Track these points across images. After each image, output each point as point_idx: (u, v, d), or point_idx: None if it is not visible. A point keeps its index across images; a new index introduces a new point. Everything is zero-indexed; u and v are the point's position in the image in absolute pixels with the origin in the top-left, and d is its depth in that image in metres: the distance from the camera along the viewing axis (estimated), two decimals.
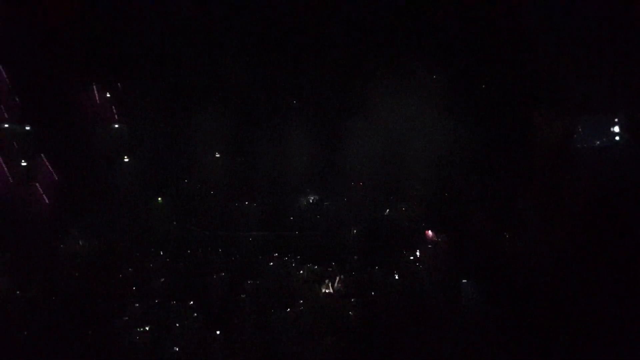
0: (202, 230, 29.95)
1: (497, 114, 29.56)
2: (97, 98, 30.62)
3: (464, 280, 27.73)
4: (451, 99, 29.27)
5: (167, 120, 30.28)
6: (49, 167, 29.73)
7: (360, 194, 29.93)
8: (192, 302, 28.42)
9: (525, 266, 27.29)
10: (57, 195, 29.58)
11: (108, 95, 30.65)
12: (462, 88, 29.65)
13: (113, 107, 30.67)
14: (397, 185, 29.68)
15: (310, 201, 30.38)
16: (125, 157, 30.20)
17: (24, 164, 29.52)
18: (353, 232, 29.68)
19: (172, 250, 29.40)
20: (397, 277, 28.68)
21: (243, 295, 28.56)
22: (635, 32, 28.11)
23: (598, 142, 28.65)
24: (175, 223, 29.93)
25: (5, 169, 29.18)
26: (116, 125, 30.63)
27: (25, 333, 27.17)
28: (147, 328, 27.85)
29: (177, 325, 27.99)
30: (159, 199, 30.00)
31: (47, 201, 29.41)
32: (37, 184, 29.33)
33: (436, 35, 29.33)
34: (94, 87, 30.40)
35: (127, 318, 27.89)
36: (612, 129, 28.91)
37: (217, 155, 30.48)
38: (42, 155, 29.64)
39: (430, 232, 29.37)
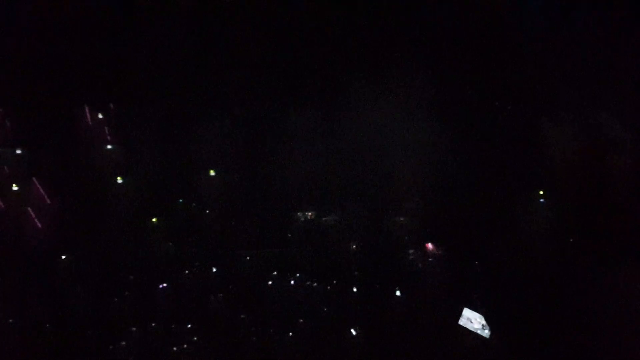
0: (199, 250, 29.59)
1: (499, 123, 29.42)
2: (89, 119, 30.40)
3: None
4: (451, 110, 29.16)
5: (160, 139, 30.01)
6: (41, 191, 29.38)
7: (359, 207, 29.67)
8: (190, 325, 28.19)
9: (532, 277, 27.13)
10: (50, 220, 29.32)
11: (100, 116, 30.44)
12: (462, 99, 29.51)
13: (105, 128, 30.46)
14: (396, 197, 29.46)
15: (308, 217, 30.05)
16: (119, 178, 29.88)
17: (15, 188, 29.15)
18: (352, 247, 29.39)
19: (169, 271, 29.06)
20: (398, 293, 28.44)
21: (243, 316, 28.31)
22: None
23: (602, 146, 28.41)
24: (171, 244, 29.58)
25: None
26: (109, 147, 30.34)
27: None
28: (145, 353, 27.46)
29: (175, 349, 27.75)
30: (154, 219, 29.68)
31: (39, 226, 29.10)
32: (29, 209, 28.98)
33: (439, 49, 29.17)
34: (86, 108, 30.17)
35: (124, 343, 27.56)
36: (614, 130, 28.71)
37: (212, 174, 30.26)
38: (34, 179, 29.34)
39: (430, 245, 29.05)
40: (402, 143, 28.96)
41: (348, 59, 29.69)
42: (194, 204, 30.24)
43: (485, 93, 29.54)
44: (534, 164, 28.65)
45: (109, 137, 30.43)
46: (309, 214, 30.03)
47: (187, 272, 29.03)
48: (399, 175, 29.10)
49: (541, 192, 28.24)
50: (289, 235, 29.68)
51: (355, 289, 28.44)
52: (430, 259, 28.74)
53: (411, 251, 28.89)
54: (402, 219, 29.43)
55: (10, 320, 27.21)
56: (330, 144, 29.55)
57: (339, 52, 29.65)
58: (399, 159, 29.10)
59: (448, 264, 28.32)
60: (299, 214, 29.92)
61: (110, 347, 27.31)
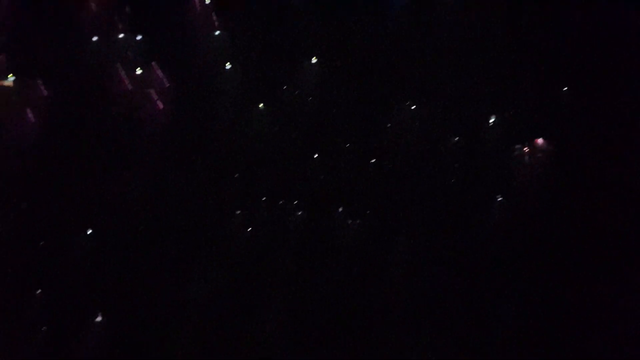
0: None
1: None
2: (198, 7, 31.00)
3: None
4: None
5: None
6: (160, 74, 31.52)
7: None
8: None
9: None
10: (168, 102, 31.54)
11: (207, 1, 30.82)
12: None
13: (212, 14, 30.93)
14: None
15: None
16: (227, 64, 30.78)
17: (138, 72, 31.50)
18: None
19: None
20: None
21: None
22: None
23: None
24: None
25: (125, 76, 31.61)
26: (216, 33, 30.99)
27: None
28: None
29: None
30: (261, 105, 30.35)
31: (161, 107, 31.66)
32: (151, 91, 31.21)
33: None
34: None
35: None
36: None
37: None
38: (153, 63, 31.37)
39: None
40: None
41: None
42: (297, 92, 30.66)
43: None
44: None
45: (216, 24, 31.12)
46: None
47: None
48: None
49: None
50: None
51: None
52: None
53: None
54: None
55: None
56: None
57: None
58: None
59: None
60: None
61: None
